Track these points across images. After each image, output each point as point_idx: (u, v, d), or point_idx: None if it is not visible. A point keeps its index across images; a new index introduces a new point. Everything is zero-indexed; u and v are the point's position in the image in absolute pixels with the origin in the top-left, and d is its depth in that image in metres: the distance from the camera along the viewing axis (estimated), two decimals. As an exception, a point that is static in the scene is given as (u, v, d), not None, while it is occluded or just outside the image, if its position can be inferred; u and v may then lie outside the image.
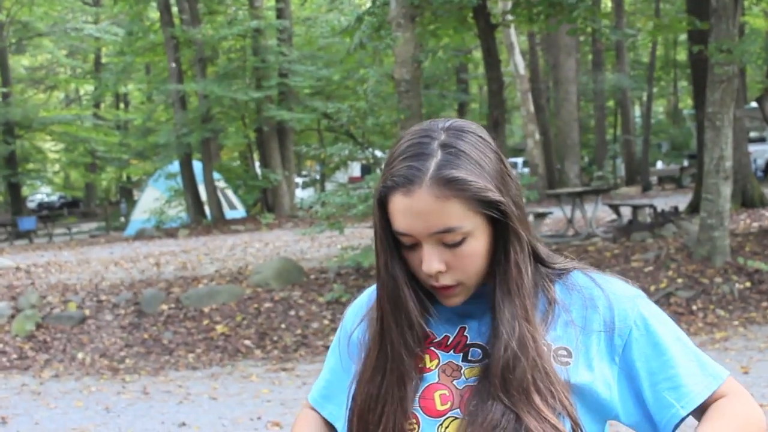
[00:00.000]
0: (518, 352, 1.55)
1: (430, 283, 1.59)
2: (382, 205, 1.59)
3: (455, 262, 1.56)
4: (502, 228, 1.58)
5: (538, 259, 1.66)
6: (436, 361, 1.64)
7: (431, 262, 1.55)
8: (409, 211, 1.54)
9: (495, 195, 1.55)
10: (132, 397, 9.07)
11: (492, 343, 1.58)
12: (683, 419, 1.60)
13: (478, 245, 1.57)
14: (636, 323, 1.61)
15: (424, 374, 1.63)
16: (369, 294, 1.82)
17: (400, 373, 1.62)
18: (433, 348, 1.65)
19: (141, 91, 39.46)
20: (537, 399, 1.53)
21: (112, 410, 8.50)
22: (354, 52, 14.77)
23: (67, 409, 8.67)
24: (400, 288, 1.62)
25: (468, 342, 1.64)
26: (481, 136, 1.59)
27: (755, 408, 1.61)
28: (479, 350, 1.62)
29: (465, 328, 1.66)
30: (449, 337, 1.66)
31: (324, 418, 1.85)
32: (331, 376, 1.85)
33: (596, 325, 1.61)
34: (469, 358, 1.63)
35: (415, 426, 1.61)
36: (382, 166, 1.60)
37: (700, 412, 1.60)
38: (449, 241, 1.55)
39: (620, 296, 1.64)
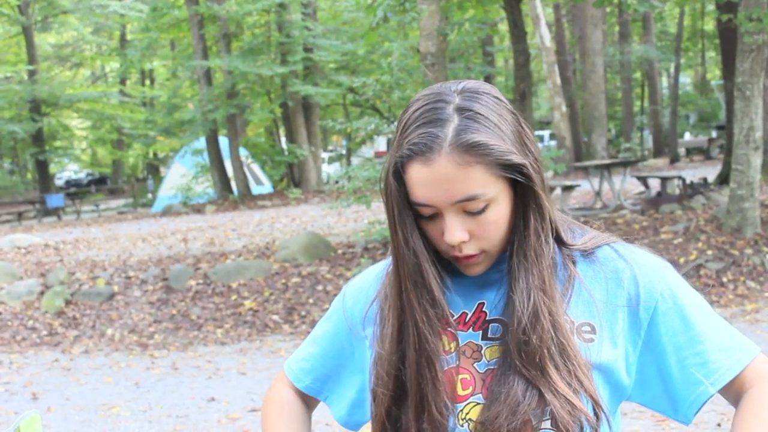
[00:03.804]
0: (532, 324, 1.49)
1: (452, 254, 1.53)
2: (398, 175, 1.52)
3: (479, 230, 1.50)
4: (522, 192, 1.52)
5: (558, 239, 1.60)
6: (455, 342, 1.57)
7: (454, 232, 1.49)
8: (429, 180, 1.47)
9: (517, 158, 1.48)
10: (161, 372, 9.12)
11: (508, 316, 1.53)
12: (711, 396, 1.54)
13: (501, 211, 1.51)
14: (663, 295, 1.55)
15: (444, 356, 1.57)
16: (376, 273, 1.74)
17: (428, 354, 1.55)
18: (450, 328, 1.58)
19: (166, 68, 39.50)
20: (554, 374, 1.48)
21: (142, 386, 8.55)
22: (377, 27, 14.68)
23: (97, 385, 8.73)
24: (421, 264, 1.54)
25: (487, 318, 1.59)
26: (496, 97, 1.52)
27: None
28: (499, 326, 1.57)
29: (484, 303, 1.59)
30: (467, 314, 1.60)
31: (299, 394, 1.82)
32: (321, 352, 1.80)
33: (621, 300, 1.55)
34: (489, 335, 1.57)
35: None
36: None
37: (729, 389, 1.54)
38: (472, 209, 1.48)
39: (646, 268, 1.57)
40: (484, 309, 1.59)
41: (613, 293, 1.56)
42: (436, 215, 1.51)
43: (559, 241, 1.60)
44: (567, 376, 1.49)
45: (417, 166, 1.48)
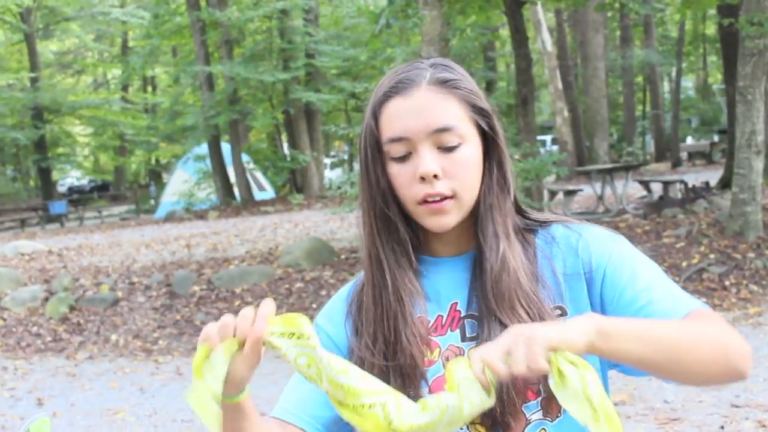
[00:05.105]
0: (501, 266, 1.56)
1: (423, 192, 1.55)
2: (375, 117, 1.60)
3: (451, 168, 1.55)
4: (488, 147, 1.62)
5: (516, 207, 1.67)
6: (438, 350, 1.61)
7: (428, 162, 1.54)
8: (408, 110, 1.56)
9: (483, 103, 1.61)
10: (166, 377, 9.14)
11: (481, 261, 1.59)
12: None
13: (472, 154, 1.58)
14: (612, 255, 1.59)
15: (429, 367, 1.59)
16: (342, 296, 1.76)
17: (396, 287, 1.61)
18: (430, 336, 1.61)
19: (168, 74, 39.53)
20: (523, 314, 1.54)
21: (147, 391, 8.58)
22: (380, 33, 14.69)
23: (101, 390, 8.76)
24: (389, 203, 1.60)
25: (462, 316, 1.62)
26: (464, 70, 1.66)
27: (727, 330, 1.47)
28: (474, 322, 1.60)
29: (457, 303, 1.63)
30: (443, 317, 1.63)
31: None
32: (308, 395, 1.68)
33: (578, 268, 1.60)
34: (467, 336, 1.60)
35: None
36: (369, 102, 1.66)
37: None
38: (446, 142, 1.55)
39: (597, 236, 1.63)
40: (457, 308, 1.63)
41: (571, 264, 1.61)
42: (409, 156, 1.57)
43: (518, 209, 1.68)
44: (534, 318, 1.54)
45: (397, 100, 1.58)
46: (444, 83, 1.58)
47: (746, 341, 1.48)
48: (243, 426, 1.52)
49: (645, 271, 1.58)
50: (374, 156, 1.60)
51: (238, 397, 1.49)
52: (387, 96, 1.59)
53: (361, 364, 1.57)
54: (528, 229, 1.67)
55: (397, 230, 1.61)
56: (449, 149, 1.55)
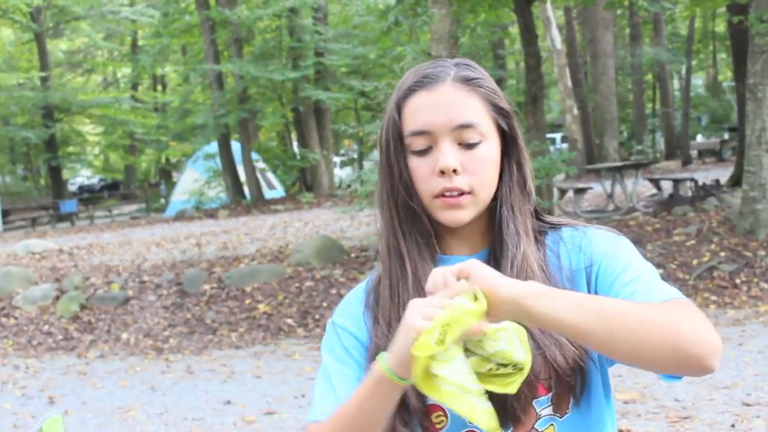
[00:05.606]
0: (521, 266, 1.59)
1: (442, 186, 1.58)
2: (399, 111, 1.63)
3: (470, 165, 1.58)
4: (507, 148, 1.65)
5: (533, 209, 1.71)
6: None
7: (448, 157, 1.57)
8: (432, 104, 1.59)
9: (505, 104, 1.65)
10: (176, 376, 9.16)
11: (501, 260, 1.61)
12: None
13: (491, 152, 1.62)
14: (609, 251, 1.62)
15: None
16: (357, 294, 1.74)
17: (417, 278, 1.62)
18: None
19: (178, 73, 39.58)
20: None
21: (158, 389, 8.60)
22: (388, 31, 14.70)
23: (113, 389, 8.78)
24: (412, 195, 1.62)
25: None
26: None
27: (695, 319, 1.43)
28: None
29: None
30: None
31: None
32: (342, 381, 1.64)
33: (582, 264, 1.64)
34: None
35: (444, 419, 1.59)
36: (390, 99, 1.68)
37: None
38: (467, 139, 1.59)
39: (600, 235, 1.66)
40: None
41: (576, 261, 1.65)
42: (429, 150, 1.60)
43: (535, 213, 1.71)
44: None
45: (422, 94, 1.61)
46: (468, 81, 1.62)
47: (717, 335, 1.42)
48: (388, 409, 1.52)
49: (636, 266, 1.59)
50: (397, 148, 1.63)
51: (410, 380, 1.44)
52: (411, 90, 1.62)
53: (377, 350, 1.57)
54: (540, 231, 1.70)
55: (420, 222, 1.64)
56: (470, 146, 1.59)
